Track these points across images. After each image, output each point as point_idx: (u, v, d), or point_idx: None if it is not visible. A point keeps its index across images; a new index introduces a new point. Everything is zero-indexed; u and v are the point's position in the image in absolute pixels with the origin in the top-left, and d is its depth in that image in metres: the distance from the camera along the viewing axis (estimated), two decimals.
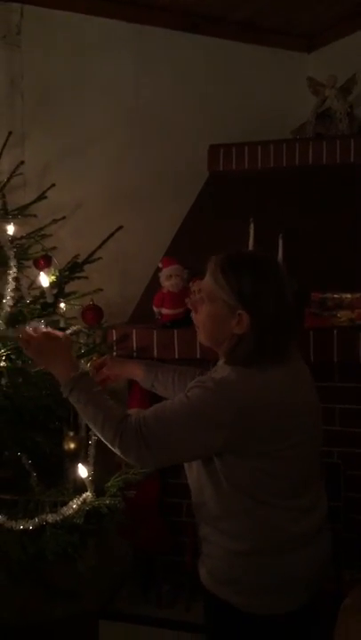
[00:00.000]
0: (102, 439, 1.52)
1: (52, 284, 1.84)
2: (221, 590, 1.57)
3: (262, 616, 1.53)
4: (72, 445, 1.92)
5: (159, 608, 2.63)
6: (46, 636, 2.69)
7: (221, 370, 1.54)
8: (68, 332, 2.06)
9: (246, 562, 1.54)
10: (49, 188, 2.25)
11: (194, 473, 1.59)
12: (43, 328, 1.60)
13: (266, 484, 1.50)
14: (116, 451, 1.50)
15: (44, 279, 1.82)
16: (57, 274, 1.87)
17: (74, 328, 2.12)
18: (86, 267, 2.14)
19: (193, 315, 1.61)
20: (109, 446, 1.51)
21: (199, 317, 1.58)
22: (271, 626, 1.54)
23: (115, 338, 2.63)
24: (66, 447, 1.92)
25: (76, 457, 2.06)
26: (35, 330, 1.57)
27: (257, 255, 1.60)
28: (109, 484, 1.77)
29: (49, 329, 1.63)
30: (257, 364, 1.48)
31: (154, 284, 2.70)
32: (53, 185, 2.42)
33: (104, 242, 1.83)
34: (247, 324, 1.47)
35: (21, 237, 2.09)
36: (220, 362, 1.60)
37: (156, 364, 1.88)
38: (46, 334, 1.59)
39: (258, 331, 1.47)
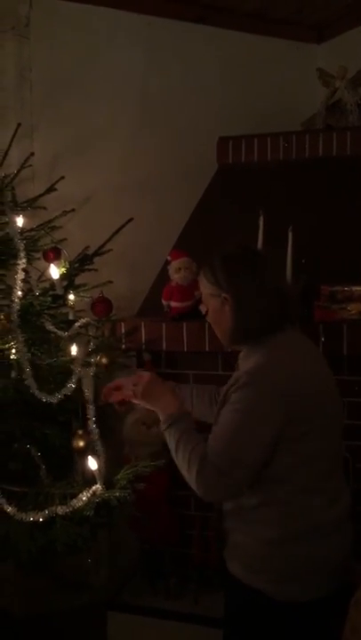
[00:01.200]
0: (189, 481, 1.61)
1: (62, 276, 1.83)
2: (253, 579, 1.64)
3: (293, 603, 1.60)
4: (81, 443, 1.91)
5: (167, 600, 2.64)
6: (54, 626, 2.70)
7: (246, 359, 1.70)
8: (77, 324, 2.05)
9: (279, 550, 1.61)
10: (58, 181, 2.24)
11: None
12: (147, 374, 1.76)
13: (299, 471, 1.59)
14: (200, 492, 1.59)
15: (55, 271, 1.81)
16: (67, 266, 1.86)
17: (83, 320, 2.11)
18: (95, 259, 2.13)
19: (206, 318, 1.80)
20: (195, 489, 1.60)
21: (209, 318, 1.78)
22: (301, 613, 1.61)
23: (123, 330, 2.63)
24: (75, 445, 1.91)
25: (84, 453, 2.06)
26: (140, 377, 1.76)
27: (230, 251, 1.75)
28: (119, 476, 1.77)
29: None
30: (257, 338, 1.66)
31: (162, 276, 2.69)
32: (62, 177, 2.41)
33: (114, 234, 1.82)
34: (231, 302, 1.67)
35: (31, 229, 2.09)
36: (241, 354, 1.76)
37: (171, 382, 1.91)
38: (153, 379, 1.76)
39: (242, 307, 1.66)
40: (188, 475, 1.59)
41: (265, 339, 1.65)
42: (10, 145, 2.26)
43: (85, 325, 2.15)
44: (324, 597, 1.62)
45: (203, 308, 1.79)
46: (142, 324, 2.62)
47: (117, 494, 1.71)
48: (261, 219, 2.60)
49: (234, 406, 1.59)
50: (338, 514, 1.66)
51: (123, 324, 2.62)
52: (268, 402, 1.56)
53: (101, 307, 2.07)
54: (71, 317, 2.14)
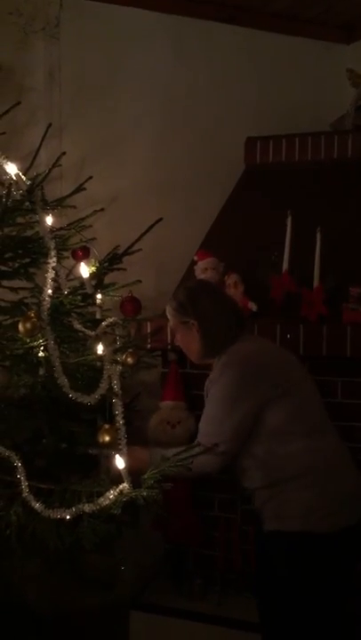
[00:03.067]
0: (197, 477, 2.03)
1: (92, 275, 1.84)
2: (294, 524, 1.91)
3: (332, 533, 1.89)
4: (107, 438, 1.91)
5: (190, 601, 2.64)
6: (78, 625, 2.71)
7: (215, 366, 2.06)
8: (104, 323, 2.06)
9: (312, 491, 1.91)
10: (87, 180, 2.24)
11: None
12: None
13: (294, 421, 1.95)
14: (201, 475, 1.96)
15: (85, 270, 1.82)
16: (97, 265, 1.86)
17: (110, 320, 2.11)
18: (123, 259, 2.13)
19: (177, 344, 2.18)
20: (203, 474, 1.96)
21: (180, 343, 2.16)
22: (340, 540, 1.90)
23: (149, 330, 2.63)
24: (100, 439, 1.91)
25: (110, 449, 2.06)
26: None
27: (191, 285, 2.22)
28: (146, 476, 1.76)
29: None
30: (222, 347, 2.04)
31: (188, 277, 2.69)
32: (91, 177, 2.42)
33: (144, 233, 1.81)
34: (197, 326, 2.05)
35: (60, 228, 2.09)
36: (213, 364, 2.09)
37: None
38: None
39: (207, 327, 2.05)
40: (194, 472, 1.85)
41: (228, 348, 2.03)
42: (40, 145, 2.27)
43: (112, 325, 2.16)
44: (356, 524, 1.92)
45: (176, 341, 2.17)
46: (168, 324, 2.62)
47: (145, 493, 1.71)
48: (289, 219, 2.59)
49: (214, 395, 2.00)
50: (342, 452, 2.01)
51: (149, 323, 2.63)
52: (242, 381, 1.96)
53: (130, 306, 2.07)
54: (98, 317, 2.14)
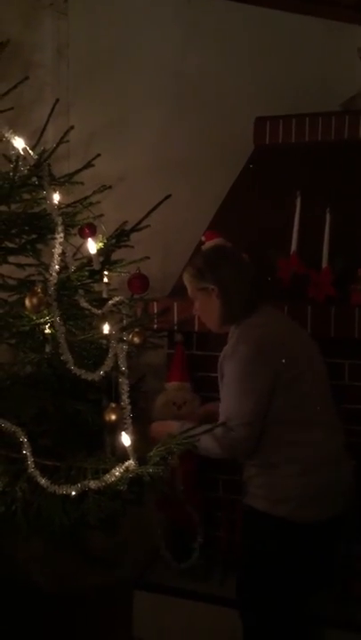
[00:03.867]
0: (216, 456, 2.02)
1: (100, 251, 1.82)
2: (280, 509, 1.97)
3: (312, 523, 1.96)
4: (113, 417, 1.91)
5: (193, 581, 2.64)
6: (81, 603, 2.72)
7: (232, 336, 2.07)
8: (111, 302, 2.04)
9: (300, 480, 1.96)
10: (95, 157, 2.22)
11: None
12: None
13: (296, 410, 1.98)
14: (230, 455, 2.02)
15: (92, 246, 1.80)
16: (104, 241, 1.85)
17: (116, 299, 2.10)
18: (130, 238, 2.12)
19: (196, 313, 2.19)
20: (224, 456, 2.02)
21: (199, 313, 2.16)
22: (317, 532, 1.97)
23: (156, 310, 2.62)
24: (107, 418, 1.91)
25: (115, 427, 2.06)
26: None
27: (209, 250, 2.19)
28: (152, 453, 1.76)
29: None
30: (242, 315, 2.05)
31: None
32: (99, 155, 2.39)
33: (152, 210, 1.79)
34: (217, 291, 2.04)
35: (67, 205, 2.08)
36: (229, 333, 2.11)
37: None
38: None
39: (227, 293, 2.03)
40: (214, 446, 1.95)
41: (246, 318, 2.04)
42: (47, 121, 2.24)
43: (119, 304, 2.14)
44: (335, 516, 1.99)
45: (195, 310, 2.15)
46: (174, 304, 2.61)
47: (150, 470, 1.70)
48: (299, 200, 2.56)
49: (230, 377, 2.00)
50: (337, 445, 2.05)
51: (155, 303, 2.61)
52: (255, 363, 1.96)
53: (138, 282, 2.06)
54: (105, 295, 2.13)
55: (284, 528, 1.97)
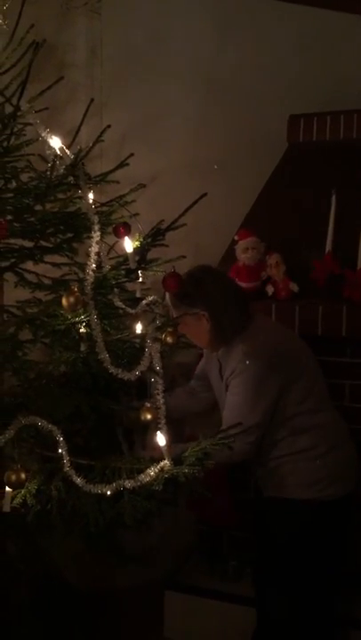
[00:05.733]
0: (233, 462, 2.09)
1: (135, 250, 1.82)
2: (311, 491, 2.06)
3: (337, 500, 2.07)
4: (148, 416, 1.93)
5: (224, 583, 2.63)
6: (112, 603, 2.73)
7: (227, 354, 2.11)
8: (145, 301, 2.04)
9: (324, 460, 2.07)
10: (129, 157, 2.22)
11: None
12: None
13: (305, 401, 2.07)
14: (240, 459, 2.06)
15: (129, 244, 1.80)
16: (141, 240, 1.84)
17: (150, 298, 2.09)
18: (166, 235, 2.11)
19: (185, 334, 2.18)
20: (233, 460, 2.06)
21: (188, 335, 2.19)
22: (340, 506, 2.09)
23: None
24: (142, 417, 1.93)
25: (148, 427, 2.06)
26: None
27: (191, 273, 2.16)
28: (187, 453, 1.75)
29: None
30: (235, 334, 2.09)
31: (228, 256, 2.65)
32: (132, 154, 2.39)
33: (188, 208, 1.78)
34: (207, 316, 2.08)
35: (102, 204, 2.08)
36: (220, 352, 2.16)
37: None
38: None
39: (217, 316, 2.08)
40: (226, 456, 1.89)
41: (241, 334, 2.07)
42: (82, 120, 2.25)
43: (152, 303, 2.14)
44: (352, 491, 2.10)
45: (181, 330, 2.10)
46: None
47: (186, 471, 1.69)
48: (334, 198, 2.53)
49: (243, 385, 2.03)
50: (345, 427, 2.17)
51: None
52: (269, 370, 2.03)
53: (172, 281, 2.04)
54: (138, 295, 2.12)
55: (311, 509, 2.06)
